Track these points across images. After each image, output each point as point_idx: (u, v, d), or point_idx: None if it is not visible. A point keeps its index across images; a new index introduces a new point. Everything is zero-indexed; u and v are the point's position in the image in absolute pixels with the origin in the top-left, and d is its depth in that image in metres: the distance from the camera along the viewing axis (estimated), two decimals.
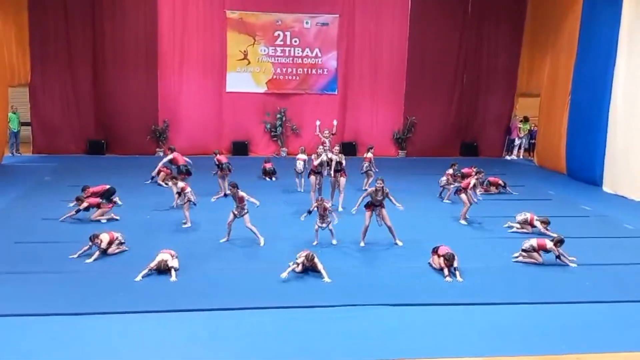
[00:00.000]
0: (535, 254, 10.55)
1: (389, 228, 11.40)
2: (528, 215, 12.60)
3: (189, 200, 12.66)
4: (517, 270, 10.37)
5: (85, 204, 12.71)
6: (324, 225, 11.33)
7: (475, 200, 13.22)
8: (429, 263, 10.31)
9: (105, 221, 12.73)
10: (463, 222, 13.07)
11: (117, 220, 12.88)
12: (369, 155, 15.99)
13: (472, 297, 9.05)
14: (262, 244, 11.35)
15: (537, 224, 12.35)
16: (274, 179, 17.81)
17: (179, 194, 12.86)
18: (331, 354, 7.29)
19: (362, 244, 11.41)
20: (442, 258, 9.89)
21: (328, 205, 11.38)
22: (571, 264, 10.50)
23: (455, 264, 9.81)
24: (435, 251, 10.22)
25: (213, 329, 7.82)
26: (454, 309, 8.64)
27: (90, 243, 10.38)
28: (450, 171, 15.63)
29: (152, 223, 12.80)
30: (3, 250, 10.65)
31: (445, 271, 9.79)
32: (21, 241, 11.17)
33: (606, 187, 17.25)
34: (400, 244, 11.44)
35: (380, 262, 10.61)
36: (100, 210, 12.87)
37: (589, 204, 15.44)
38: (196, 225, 12.57)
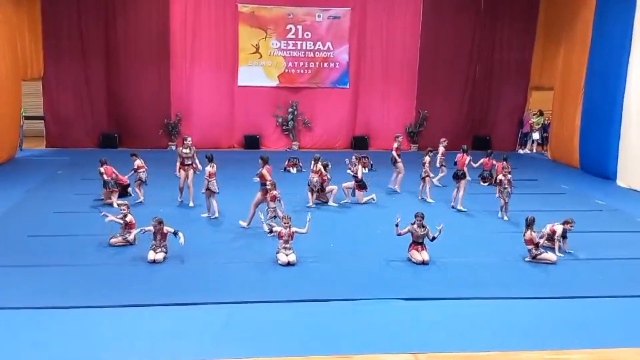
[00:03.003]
0: (548, 255, 10.38)
1: None
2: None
3: (140, 179, 13.57)
4: (529, 264, 10.32)
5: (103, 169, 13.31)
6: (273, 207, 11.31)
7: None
8: (408, 258, 10.26)
9: (116, 206, 12.87)
10: (461, 207, 13.26)
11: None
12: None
13: (483, 291, 9.03)
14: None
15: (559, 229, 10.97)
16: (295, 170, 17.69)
17: (135, 170, 13.33)
18: (344, 347, 7.30)
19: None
20: (415, 224, 10.06)
21: (277, 194, 11.43)
22: (551, 258, 10.35)
23: (437, 234, 10.03)
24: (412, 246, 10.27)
25: (226, 322, 7.86)
26: (465, 303, 8.64)
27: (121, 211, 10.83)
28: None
29: (164, 216, 12.78)
30: (17, 243, 10.76)
31: (420, 254, 10.01)
32: (34, 234, 11.26)
33: (620, 181, 17.12)
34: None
35: (389, 256, 10.50)
36: (112, 195, 13.27)
37: (603, 198, 15.34)
38: (213, 219, 12.62)
